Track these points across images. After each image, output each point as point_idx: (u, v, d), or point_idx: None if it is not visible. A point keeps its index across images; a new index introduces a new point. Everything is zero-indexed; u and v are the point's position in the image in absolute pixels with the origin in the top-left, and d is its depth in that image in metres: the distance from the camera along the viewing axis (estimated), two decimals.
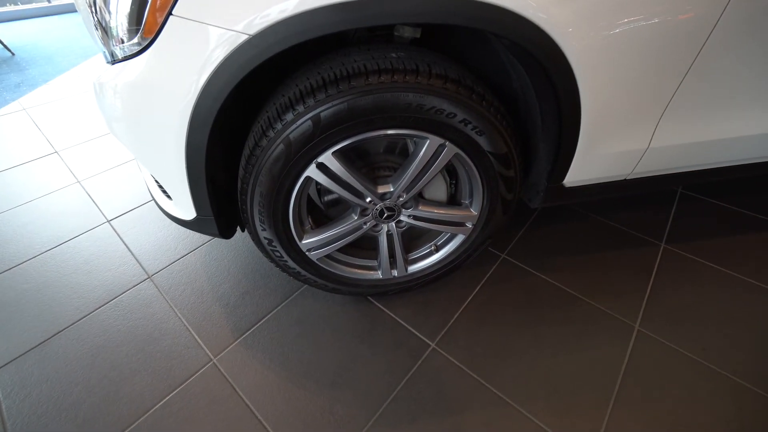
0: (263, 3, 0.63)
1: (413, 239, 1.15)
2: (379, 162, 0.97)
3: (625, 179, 1.08)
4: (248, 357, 1.09)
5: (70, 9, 5.02)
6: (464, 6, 0.65)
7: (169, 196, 1.00)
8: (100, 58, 0.86)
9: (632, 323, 1.15)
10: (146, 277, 1.33)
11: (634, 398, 0.98)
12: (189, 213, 0.93)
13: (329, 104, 0.73)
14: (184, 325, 1.17)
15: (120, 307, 1.23)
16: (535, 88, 0.84)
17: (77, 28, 4.44)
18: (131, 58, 0.73)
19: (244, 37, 0.64)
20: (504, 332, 1.13)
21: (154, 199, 1.09)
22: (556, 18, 0.69)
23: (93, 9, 0.78)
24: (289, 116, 0.75)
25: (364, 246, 1.14)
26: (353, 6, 0.62)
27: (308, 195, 1.01)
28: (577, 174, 0.99)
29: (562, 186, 1.03)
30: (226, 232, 0.99)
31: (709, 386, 1.00)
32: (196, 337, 1.14)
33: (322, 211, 1.09)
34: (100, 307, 1.23)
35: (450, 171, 1.01)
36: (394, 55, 0.76)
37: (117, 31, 0.74)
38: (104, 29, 0.77)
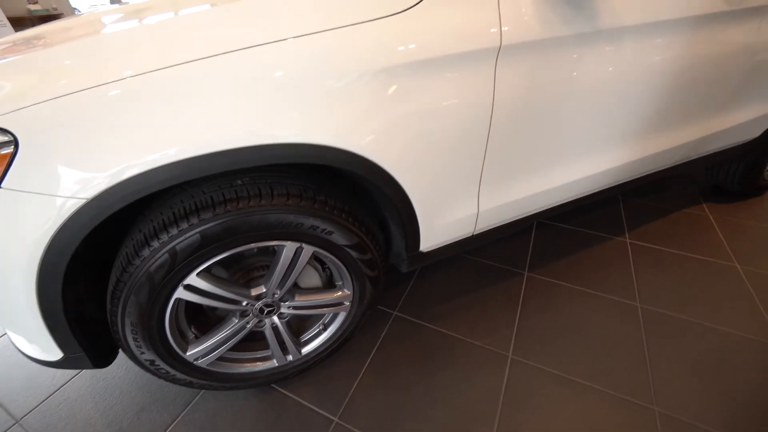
0: (93, 170, 0.69)
1: (302, 322, 1.23)
2: (254, 263, 1.04)
3: (472, 235, 1.29)
4: None
5: None
6: (281, 150, 0.78)
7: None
8: None
9: (506, 353, 1.34)
10: (13, 422, 1.19)
11: (512, 424, 1.13)
12: (54, 354, 0.91)
13: (182, 237, 0.80)
14: None
15: None
16: (371, 189, 1.00)
17: None
18: None
19: (82, 202, 0.69)
20: (400, 390, 1.24)
21: (12, 342, 1.02)
22: (361, 142, 0.85)
23: None
24: (146, 252, 0.80)
25: (254, 338, 1.18)
26: (182, 165, 0.72)
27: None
28: (429, 241, 1.17)
29: (421, 252, 1.20)
30: (102, 362, 0.97)
31: (572, 397, 1.20)
32: None
33: (206, 312, 1.11)
34: None
35: (320, 258, 1.12)
36: (239, 182, 0.86)
37: None
38: None
